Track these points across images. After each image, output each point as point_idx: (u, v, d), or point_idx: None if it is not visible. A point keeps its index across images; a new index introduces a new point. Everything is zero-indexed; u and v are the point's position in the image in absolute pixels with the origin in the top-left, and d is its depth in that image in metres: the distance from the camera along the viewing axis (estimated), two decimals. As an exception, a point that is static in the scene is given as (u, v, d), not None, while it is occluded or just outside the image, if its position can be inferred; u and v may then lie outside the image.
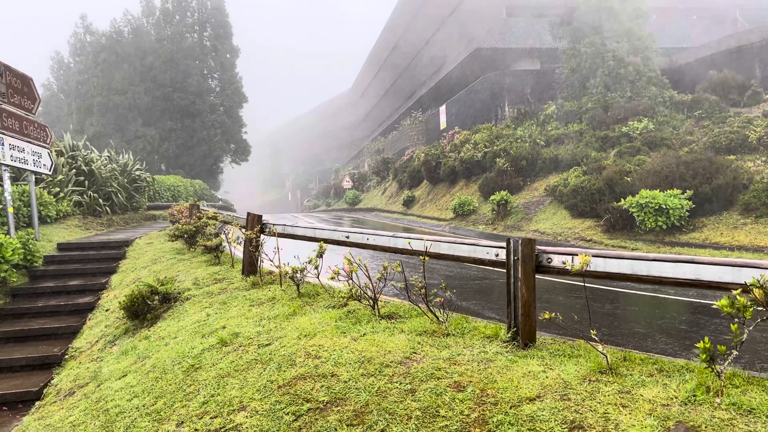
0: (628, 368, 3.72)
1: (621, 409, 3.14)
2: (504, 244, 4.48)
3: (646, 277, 3.82)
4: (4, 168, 11.96)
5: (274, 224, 7.98)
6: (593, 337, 3.67)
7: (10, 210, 11.87)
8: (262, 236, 7.92)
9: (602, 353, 3.70)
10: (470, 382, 3.68)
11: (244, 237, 8.09)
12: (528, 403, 3.33)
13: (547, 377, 3.63)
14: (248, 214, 8.29)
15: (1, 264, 9.95)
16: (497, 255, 4.63)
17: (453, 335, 4.65)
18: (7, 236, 10.72)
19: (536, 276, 4.29)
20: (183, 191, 28.25)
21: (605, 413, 3.11)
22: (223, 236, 9.95)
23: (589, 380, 3.54)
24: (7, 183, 11.91)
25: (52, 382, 7.05)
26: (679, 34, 35.04)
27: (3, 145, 11.79)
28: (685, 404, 3.12)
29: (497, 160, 23.79)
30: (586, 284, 4.29)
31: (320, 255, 6.33)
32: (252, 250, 7.85)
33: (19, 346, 8.43)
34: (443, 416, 3.37)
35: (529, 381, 3.60)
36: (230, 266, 9.25)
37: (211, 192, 40.30)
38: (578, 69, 26.63)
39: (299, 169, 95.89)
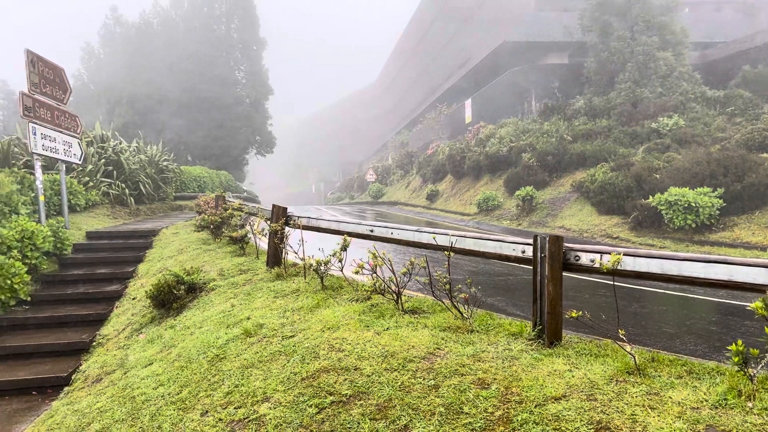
0: (656, 369, 3.65)
1: (649, 411, 3.08)
2: (531, 241, 4.42)
3: (676, 277, 3.73)
4: (36, 157, 12.20)
5: (299, 216, 8.01)
6: (621, 336, 3.61)
7: (42, 198, 12.11)
8: (286, 228, 7.96)
9: (630, 353, 3.63)
10: (494, 379, 3.65)
11: (269, 229, 8.14)
12: (553, 403, 3.28)
13: (573, 376, 3.58)
14: (273, 206, 8.33)
15: (32, 251, 10.18)
16: (524, 252, 4.57)
17: (477, 332, 4.61)
18: (39, 224, 10.94)
19: (563, 273, 4.24)
20: (209, 182, 28.50)
21: (633, 415, 3.05)
22: (248, 227, 10.02)
23: (616, 381, 3.48)
24: (38, 172, 12.14)
25: (80, 368, 7.18)
26: (712, 29, 34.26)
27: (35, 134, 12.02)
28: (716, 408, 3.05)
29: (523, 155, 23.59)
30: (614, 283, 4.22)
31: (344, 248, 6.33)
32: (277, 242, 7.89)
33: (48, 332, 8.61)
34: (467, 413, 3.35)
35: (555, 380, 3.55)
36: (255, 257, 9.31)
37: (237, 183, 40.59)
38: (607, 63, 26.22)
39: (323, 161, 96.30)
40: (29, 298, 9.49)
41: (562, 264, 4.19)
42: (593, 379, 3.53)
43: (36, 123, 12.10)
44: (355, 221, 7.12)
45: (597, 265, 4.05)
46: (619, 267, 3.93)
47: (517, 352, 4.08)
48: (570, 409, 3.18)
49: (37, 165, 12.21)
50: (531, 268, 4.44)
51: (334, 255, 6.38)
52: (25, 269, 9.52)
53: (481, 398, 3.46)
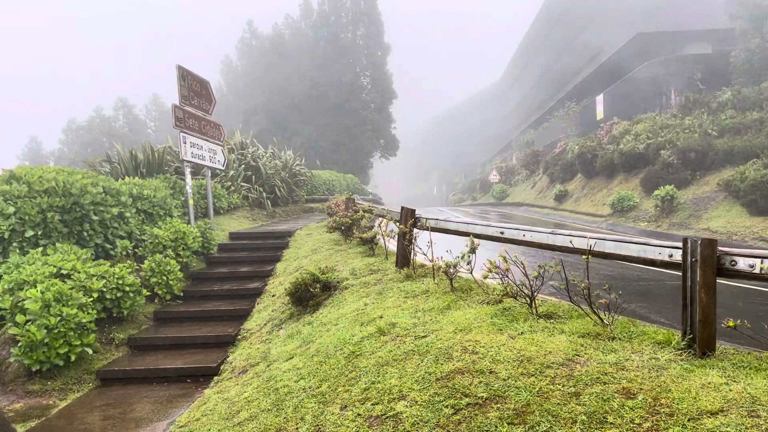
0: (831, 388, 3.29)
1: (825, 433, 2.78)
2: (679, 244, 4.15)
3: None
4: (185, 164, 13.34)
5: (426, 218, 8.10)
6: (787, 350, 3.30)
7: (191, 202, 13.22)
8: (414, 230, 8.08)
9: (799, 369, 3.30)
10: (641, 389, 3.47)
11: (397, 230, 8.30)
12: (709, 417, 3.06)
13: (730, 390, 3.32)
14: (402, 208, 8.49)
15: (184, 250, 11.14)
16: (671, 256, 4.29)
17: (619, 339, 4.41)
18: (189, 226, 11.95)
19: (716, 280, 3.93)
20: (337, 185, 29.62)
21: (805, 436, 2.78)
22: (376, 228, 10.28)
23: (783, 398, 3.18)
24: (188, 177, 13.26)
25: (227, 359, 7.74)
26: None
27: (185, 143, 13.15)
28: None
29: (662, 152, 22.09)
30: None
31: (473, 250, 6.31)
32: (406, 244, 8.02)
33: (199, 325, 9.38)
34: (611, 423, 3.21)
35: (710, 393, 3.31)
36: (384, 258, 9.53)
37: (362, 186, 41.78)
38: (759, 51, 23.89)
39: (444, 162, 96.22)
40: (182, 294, 10.39)
41: (716, 269, 3.89)
42: (754, 394, 3.25)
43: (186, 132, 13.24)
44: (484, 223, 7.07)
45: (757, 270, 3.72)
46: (784, 273, 3.59)
47: (664, 361, 3.85)
48: (729, 425, 2.95)
49: (187, 171, 13.35)
50: (676, 273, 4.18)
51: (462, 257, 6.39)
52: (179, 267, 10.45)
53: (626, 408, 3.31)
